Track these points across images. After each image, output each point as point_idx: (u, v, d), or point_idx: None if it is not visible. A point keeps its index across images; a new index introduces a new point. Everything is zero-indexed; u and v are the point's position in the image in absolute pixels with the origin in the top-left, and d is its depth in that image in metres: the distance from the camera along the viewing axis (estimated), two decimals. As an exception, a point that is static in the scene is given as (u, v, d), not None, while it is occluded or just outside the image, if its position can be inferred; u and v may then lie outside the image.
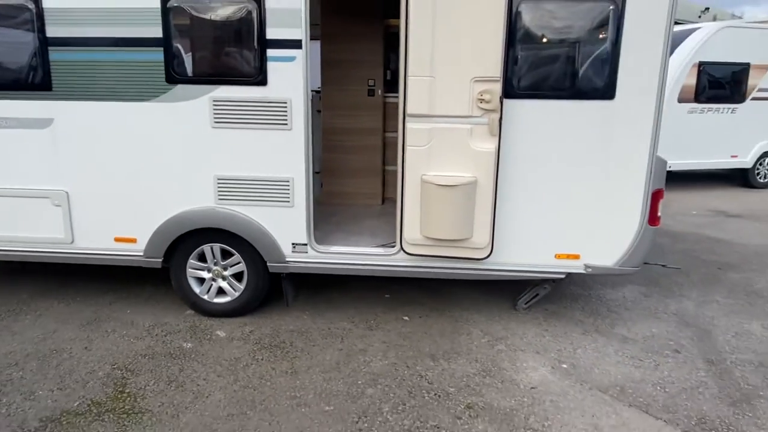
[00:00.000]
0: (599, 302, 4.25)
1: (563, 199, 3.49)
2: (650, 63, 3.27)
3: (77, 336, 3.59)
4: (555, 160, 3.43)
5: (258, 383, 3.05)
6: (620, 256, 3.55)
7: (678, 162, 9.10)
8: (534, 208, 3.51)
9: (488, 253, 3.51)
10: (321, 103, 5.27)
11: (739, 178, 9.72)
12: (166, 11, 3.41)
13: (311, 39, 5.15)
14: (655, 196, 3.48)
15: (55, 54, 3.54)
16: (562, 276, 3.65)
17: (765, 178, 9.66)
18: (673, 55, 8.78)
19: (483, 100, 3.27)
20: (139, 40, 3.46)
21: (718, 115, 9.05)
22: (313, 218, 3.70)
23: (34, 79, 3.59)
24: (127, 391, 2.97)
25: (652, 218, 3.50)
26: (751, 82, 9.08)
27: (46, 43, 3.51)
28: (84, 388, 2.99)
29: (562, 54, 3.36)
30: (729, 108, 9.09)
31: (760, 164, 9.57)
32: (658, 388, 3.06)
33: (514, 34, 3.28)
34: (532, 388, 3.05)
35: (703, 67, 8.75)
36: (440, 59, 3.27)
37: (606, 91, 3.32)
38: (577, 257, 3.58)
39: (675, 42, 8.94)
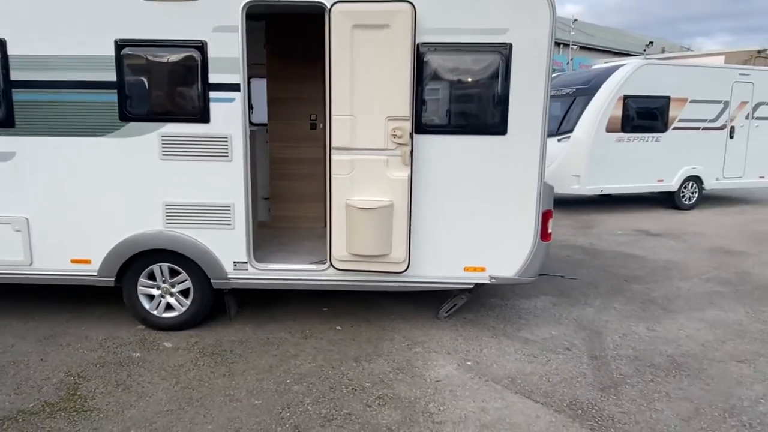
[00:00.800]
0: (512, 311, 4.80)
1: (468, 220, 4.05)
2: (534, 104, 3.90)
3: (34, 350, 3.93)
4: (460, 187, 4.00)
5: (197, 384, 3.46)
6: (519, 267, 4.11)
7: (609, 186, 9.92)
8: (444, 228, 4.06)
9: (406, 267, 4.03)
10: (268, 135, 5.78)
11: (667, 201, 10.57)
12: (119, 58, 3.89)
13: (259, 77, 5.73)
14: (545, 216, 4.07)
15: (18, 95, 3.96)
16: (471, 286, 4.19)
17: (690, 200, 10.53)
18: (600, 89, 9.66)
19: (395, 135, 3.83)
20: (95, 83, 3.93)
21: (643, 143, 9.91)
22: (261, 239, 4.17)
23: (-3, 117, 4.00)
24: (78, 393, 3.34)
25: (544, 235, 4.09)
26: (671, 113, 10.01)
27: (10, 85, 3.94)
28: (39, 392, 3.35)
29: (462, 96, 3.97)
30: (653, 137, 9.97)
31: (685, 188, 10.45)
32: (544, 378, 3.59)
33: (422, 79, 3.87)
34: (437, 381, 3.54)
35: (627, 100, 9.62)
36: (359, 101, 3.82)
37: (499, 127, 3.93)
38: (482, 269, 4.13)
39: (601, 77, 9.86)
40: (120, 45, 3.87)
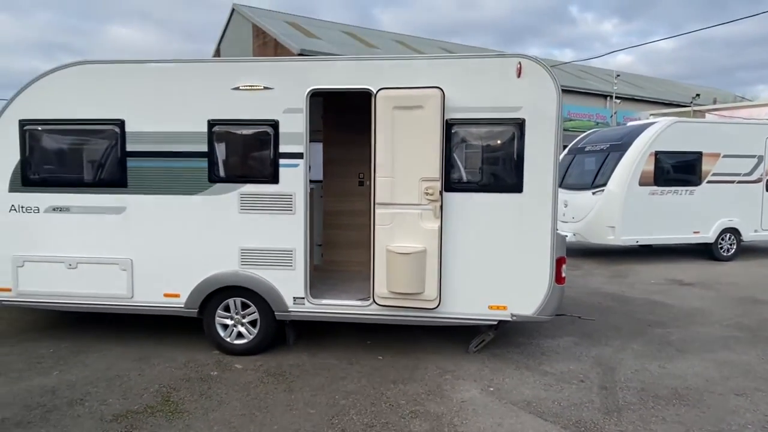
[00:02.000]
0: (536, 348, 5.37)
1: (492, 264, 4.74)
2: (546, 167, 4.62)
3: (132, 367, 4.83)
4: (483, 236, 4.73)
5: (263, 396, 4.23)
6: (537, 307, 4.73)
7: (644, 237, 10.30)
8: (470, 270, 4.76)
9: (437, 304, 4.74)
10: (323, 190, 6.72)
11: (706, 252, 10.79)
12: (210, 133, 4.93)
13: (317, 142, 6.72)
14: (559, 262, 4.72)
15: (131, 162, 5.05)
16: (496, 322, 4.83)
17: (728, 251, 10.72)
18: (632, 145, 10.23)
19: (428, 193, 4.64)
20: (190, 153, 4.97)
21: (677, 196, 10.31)
22: (314, 280, 4.98)
23: (114, 179, 5.07)
24: (171, 400, 4.17)
25: (558, 278, 4.72)
26: (705, 167, 10.41)
27: (126, 155, 5.04)
28: (141, 398, 4.20)
29: (484, 161, 4.76)
30: (687, 190, 10.37)
31: (722, 239, 10.67)
32: (556, 403, 4.15)
33: (451, 147, 4.70)
34: (462, 401, 4.16)
35: (659, 156, 10.12)
36: (398, 165, 4.67)
37: (516, 186, 4.67)
38: (504, 308, 4.77)
39: (633, 134, 10.45)
40: (211, 123, 4.92)
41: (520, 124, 4.63)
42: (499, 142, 4.71)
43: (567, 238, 10.69)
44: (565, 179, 11.49)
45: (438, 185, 4.63)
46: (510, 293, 4.76)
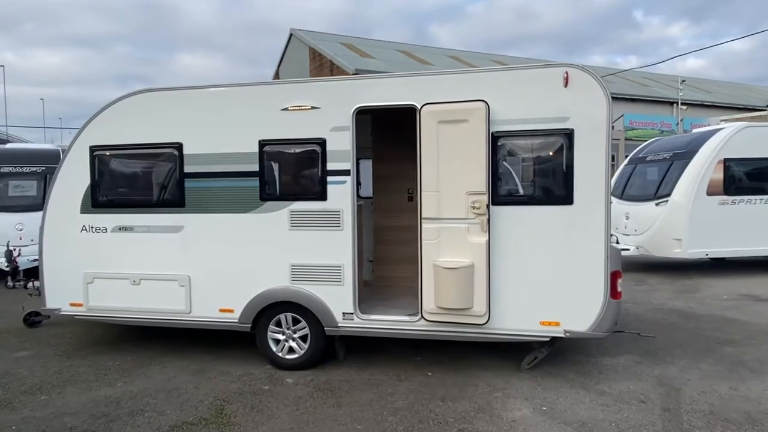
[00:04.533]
0: (593, 366, 5.14)
1: (543, 279, 4.61)
2: (596, 178, 4.47)
3: (189, 380, 5.01)
4: (533, 250, 4.61)
5: (312, 411, 4.27)
6: (591, 323, 4.54)
7: (715, 250, 9.70)
8: (520, 285, 4.64)
9: (486, 319, 4.64)
10: (373, 206, 6.78)
11: (787, 265, 10.01)
12: (261, 153, 5.10)
13: (366, 158, 6.80)
14: (614, 276, 4.51)
15: (188, 183, 5.30)
16: (548, 339, 4.68)
17: (812, 264, 9.89)
18: (698, 153, 9.71)
19: (474, 207, 4.58)
20: (243, 173, 5.16)
21: (751, 206, 9.66)
22: (365, 295, 5.02)
23: (173, 199, 5.34)
24: (224, 413, 4.29)
25: (614, 293, 4.52)
26: (781, 174, 9.71)
27: (184, 176, 5.29)
28: (196, 410, 4.35)
29: (532, 173, 4.66)
30: (762, 199, 9.69)
31: (805, 251, 9.86)
32: (613, 425, 3.95)
33: (497, 160, 4.63)
34: (512, 421, 4.04)
35: (728, 163, 9.55)
36: (444, 180, 4.66)
37: (566, 198, 4.53)
38: (557, 324, 4.61)
39: (699, 141, 9.93)
40: (262, 144, 5.09)
41: (568, 135, 4.51)
42: (547, 153, 4.61)
43: (629, 252, 10.29)
44: (626, 190, 11.05)
45: (485, 198, 4.57)
46: (563, 309, 4.60)
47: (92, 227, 5.53)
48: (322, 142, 4.97)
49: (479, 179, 4.57)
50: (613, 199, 11.09)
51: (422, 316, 4.81)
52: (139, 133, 5.39)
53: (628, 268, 10.60)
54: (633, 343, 5.77)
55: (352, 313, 5.00)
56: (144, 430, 4.03)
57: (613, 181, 11.58)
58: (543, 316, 4.64)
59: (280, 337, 5.22)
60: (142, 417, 4.23)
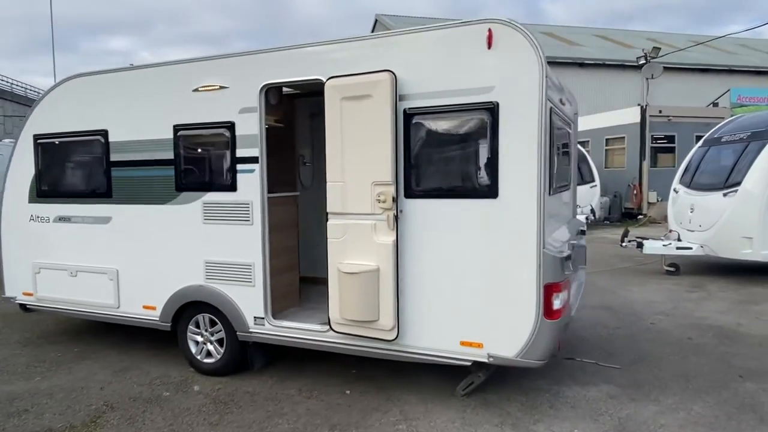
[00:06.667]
0: (550, 397, 4.16)
1: (462, 290, 3.74)
2: (527, 165, 3.50)
3: (104, 379, 4.76)
4: (451, 253, 3.75)
5: (185, 429, 3.81)
6: (520, 348, 3.61)
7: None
8: (436, 297, 3.81)
9: (395, 335, 3.87)
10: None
11: None
12: (176, 139, 4.68)
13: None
14: (549, 290, 3.53)
15: (114, 172, 5.03)
16: (469, 363, 3.80)
17: None
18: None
19: (380, 200, 3.81)
20: (160, 161, 4.78)
21: None
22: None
23: (102, 189, 5.10)
24: (98, 422, 3.96)
25: (548, 312, 3.54)
26: None
27: (110, 165, 5.03)
28: (74, 416, 4.07)
29: (451, 159, 3.78)
30: None
31: None
32: (512, 483, 3.05)
33: (411, 144, 3.81)
34: (390, 464, 3.28)
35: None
36: (349, 168, 3.93)
37: (489, 191, 3.61)
38: (480, 346, 3.73)
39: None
40: (176, 129, 4.67)
41: (491, 110, 3.57)
42: (467, 134, 3.70)
43: (692, 252, 8.64)
44: (695, 178, 9.31)
45: (391, 190, 3.78)
46: (487, 328, 3.71)
47: (38, 217, 5.48)
48: (231, 126, 4.43)
49: (385, 167, 3.78)
50: (681, 188, 9.45)
51: (330, 327, 4.15)
52: (73, 120, 5.21)
53: (688, 270, 8.97)
54: (621, 370, 4.65)
55: (263, 318, 4.45)
56: (7, 434, 3.81)
57: (682, 166, 9.88)
58: (464, 336, 3.77)
59: (200, 339, 4.81)
60: (18, 419, 4.03)
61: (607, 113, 18.43)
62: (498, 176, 3.58)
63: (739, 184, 8.08)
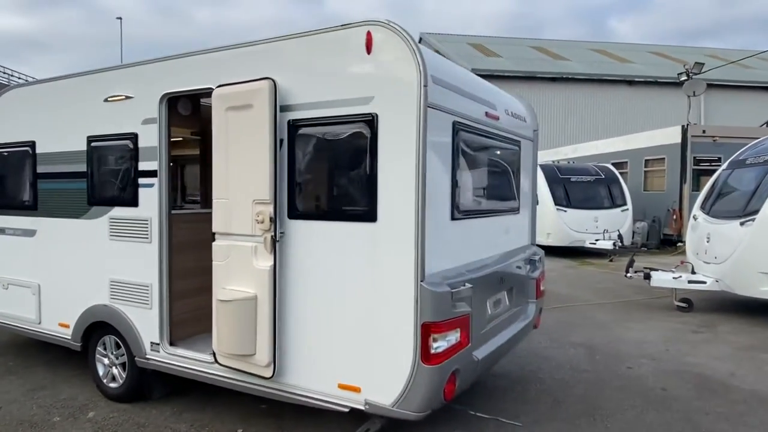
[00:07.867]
0: (455, 453, 3.60)
1: (341, 325, 3.29)
2: (405, 185, 3.03)
3: (14, 398, 4.59)
4: (329, 283, 3.32)
5: (45, 461, 3.53)
6: (396, 396, 3.11)
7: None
8: (314, 331, 3.38)
9: (272, 372, 3.46)
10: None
11: None
12: (90, 151, 4.51)
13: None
14: (426, 330, 3.02)
15: (40, 184, 4.92)
16: (347, 410, 3.32)
17: None
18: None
19: (258, 220, 3.43)
20: (75, 174, 4.62)
21: None
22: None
23: (29, 201, 5.00)
24: (-32, 445, 3.75)
25: (425, 356, 3.03)
26: None
27: (36, 176, 4.92)
28: (-50, 437, 3.88)
29: (333, 177, 3.36)
30: None
31: None
32: None
33: (294, 160, 3.43)
34: None
35: None
36: (232, 184, 3.58)
37: (368, 213, 3.16)
38: (358, 390, 3.25)
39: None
40: (89, 140, 4.50)
41: (370, 123, 3.14)
42: (349, 149, 3.28)
43: (706, 286, 7.70)
44: (715, 204, 8.38)
45: (269, 209, 3.40)
46: (365, 370, 3.23)
47: (-19, 228, 5.45)
48: (134, 137, 4.21)
49: (263, 184, 3.41)
50: (700, 215, 8.53)
51: (215, 359, 3.78)
52: (10, 131, 5.17)
53: (703, 307, 8.02)
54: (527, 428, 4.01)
55: (158, 344, 4.14)
56: None
57: (704, 191, 8.94)
58: (342, 377, 3.31)
59: (106, 361, 4.56)
60: None
61: (647, 133, 17.34)
62: (377, 197, 3.13)
63: (757, 212, 7.16)
